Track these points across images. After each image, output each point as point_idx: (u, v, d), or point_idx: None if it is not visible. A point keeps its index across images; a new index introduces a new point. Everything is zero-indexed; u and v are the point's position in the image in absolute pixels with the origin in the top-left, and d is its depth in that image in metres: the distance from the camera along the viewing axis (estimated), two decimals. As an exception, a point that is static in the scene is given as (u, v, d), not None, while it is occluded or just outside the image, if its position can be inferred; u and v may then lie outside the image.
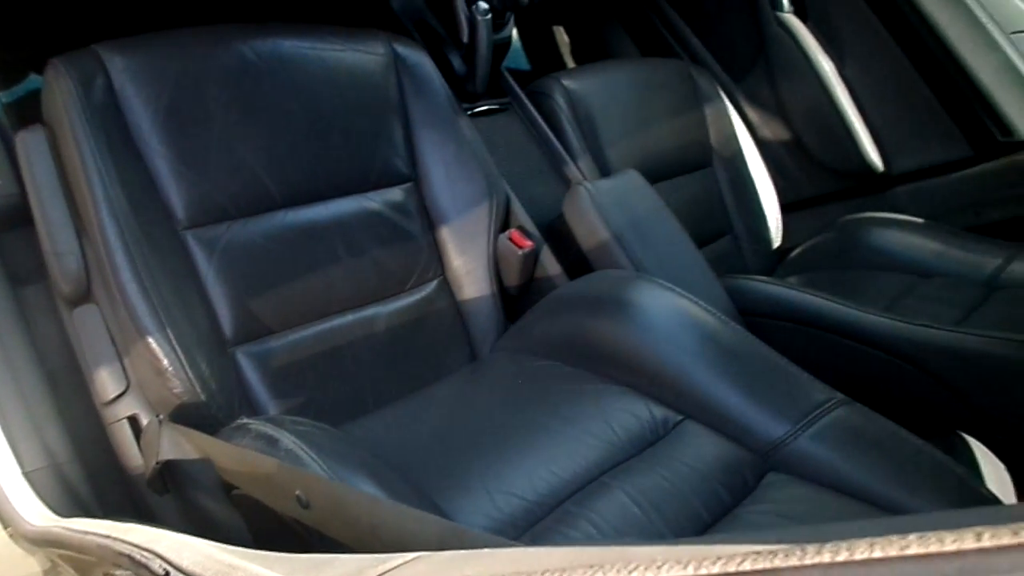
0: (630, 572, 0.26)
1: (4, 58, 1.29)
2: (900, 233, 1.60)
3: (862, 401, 0.98)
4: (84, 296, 0.95)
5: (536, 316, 1.19)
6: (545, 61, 2.22)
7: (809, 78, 1.79)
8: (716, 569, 0.25)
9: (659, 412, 1.00)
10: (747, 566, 0.24)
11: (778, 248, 1.83)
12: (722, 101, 1.82)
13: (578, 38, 2.22)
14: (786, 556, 0.24)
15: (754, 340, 1.06)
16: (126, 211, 0.91)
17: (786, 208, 1.88)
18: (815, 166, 1.90)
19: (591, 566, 0.28)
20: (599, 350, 1.07)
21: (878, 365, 1.20)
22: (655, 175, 1.52)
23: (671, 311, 1.08)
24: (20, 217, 1.00)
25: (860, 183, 1.85)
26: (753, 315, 1.33)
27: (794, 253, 1.76)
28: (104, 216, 0.90)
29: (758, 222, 1.81)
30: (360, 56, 1.20)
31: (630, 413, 0.99)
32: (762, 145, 1.90)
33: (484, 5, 1.38)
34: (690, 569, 0.25)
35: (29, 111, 1.02)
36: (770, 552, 0.24)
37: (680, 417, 1.00)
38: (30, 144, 0.95)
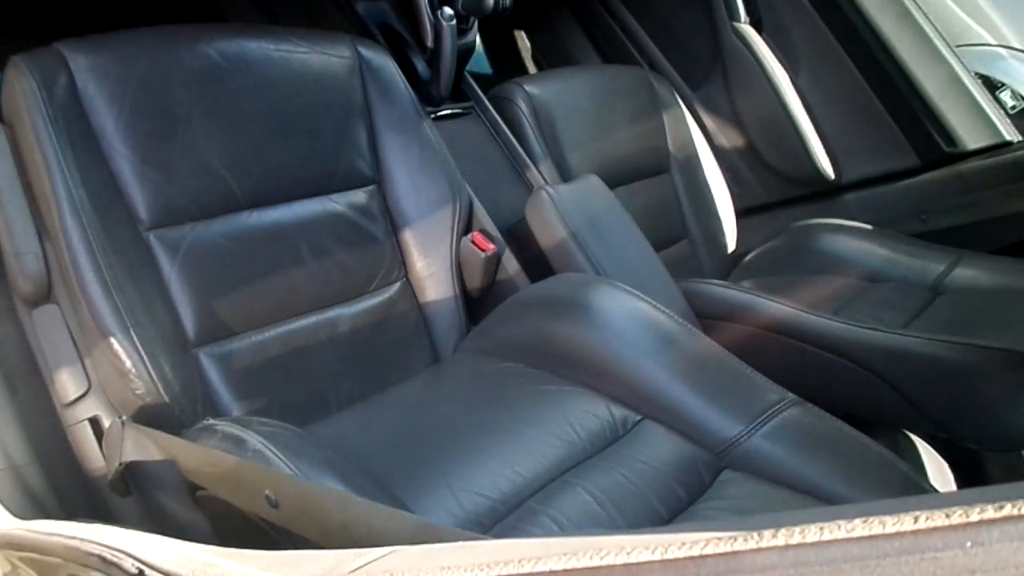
0: (602, 558, 0.28)
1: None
2: (850, 239, 1.66)
3: (813, 401, 1.02)
4: (44, 296, 0.95)
5: (498, 318, 1.21)
6: (507, 66, 2.24)
7: (764, 88, 1.84)
8: (681, 553, 0.27)
9: (619, 412, 1.02)
10: (710, 550, 0.26)
11: (732, 253, 1.88)
12: (680, 108, 1.86)
13: (540, 43, 2.24)
14: (745, 540, 0.26)
15: (709, 342, 1.09)
16: (89, 211, 0.91)
17: (741, 214, 1.92)
18: (769, 173, 1.95)
19: (564, 554, 0.30)
20: (560, 352, 1.09)
21: (828, 366, 1.24)
22: (615, 180, 1.55)
23: (630, 314, 1.10)
24: None
25: (812, 190, 1.91)
26: (708, 318, 1.36)
27: (748, 258, 1.80)
28: (67, 216, 0.89)
29: (714, 227, 1.85)
30: (325, 58, 1.20)
31: (591, 413, 1.02)
32: (718, 152, 1.95)
33: (449, 11, 1.39)
34: (657, 554, 0.27)
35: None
36: (730, 537, 0.26)
37: (639, 417, 1.02)
38: None
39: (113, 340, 0.87)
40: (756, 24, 1.87)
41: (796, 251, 1.71)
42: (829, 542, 0.25)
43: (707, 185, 1.85)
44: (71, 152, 0.91)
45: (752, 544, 0.26)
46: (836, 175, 1.85)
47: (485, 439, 0.96)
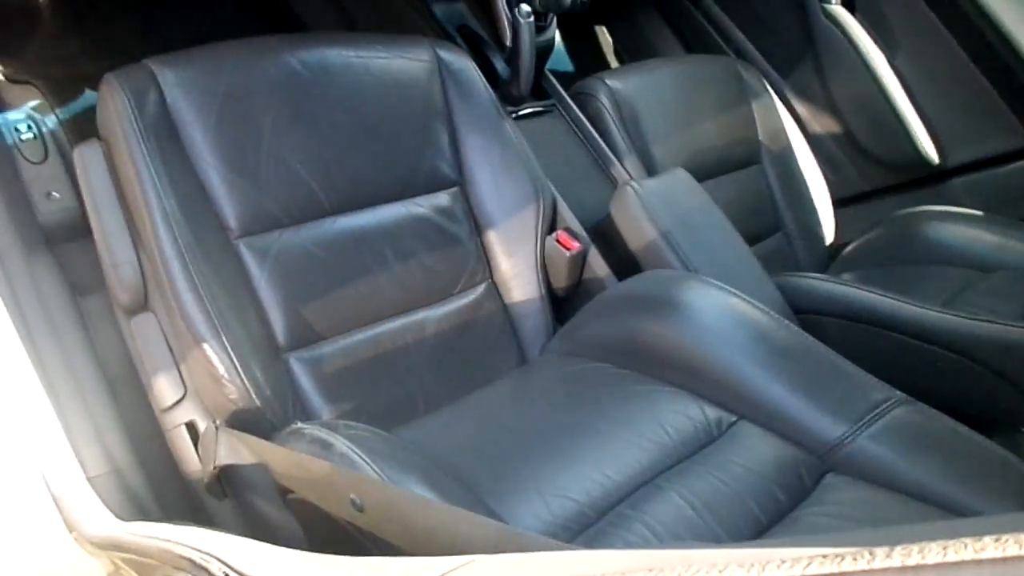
0: (692, 574, 0.25)
1: (59, 75, 1.33)
2: (957, 226, 1.56)
3: (922, 399, 0.95)
4: (142, 305, 0.98)
5: (585, 318, 1.18)
6: (589, 62, 2.21)
7: (859, 70, 1.75)
8: (781, 572, 0.24)
9: (713, 413, 0.98)
10: (813, 570, 0.23)
11: (831, 245, 1.79)
12: (770, 96, 1.79)
13: (621, 38, 2.20)
14: (854, 559, 0.23)
15: (808, 338, 1.03)
16: (180, 221, 0.93)
17: (838, 203, 1.84)
18: (867, 160, 1.86)
19: (651, 570, 0.27)
20: (650, 351, 1.06)
21: (938, 362, 1.16)
22: (703, 173, 1.50)
23: (722, 310, 1.06)
24: (80, 229, 1.03)
25: (914, 176, 1.81)
26: (807, 313, 1.30)
27: (848, 249, 1.72)
28: (159, 227, 0.92)
29: (810, 218, 1.77)
30: (405, 63, 1.21)
31: (683, 415, 0.98)
32: (812, 140, 1.86)
33: (526, 8, 1.38)
34: (753, 573, 0.24)
35: (86, 126, 1.05)
36: (837, 555, 0.24)
37: (734, 418, 0.98)
38: (87, 158, 0.98)
39: (206, 346, 0.89)
40: (848, 4, 1.78)
41: (900, 241, 1.62)
42: (954, 564, 0.21)
43: (801, 175, 1.78)
44: (162, 164, 0.94)
45: (863, 564, 0.23)
46: (940, 159, 1.74)
47: (573, 441, 0.94)
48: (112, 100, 0.95)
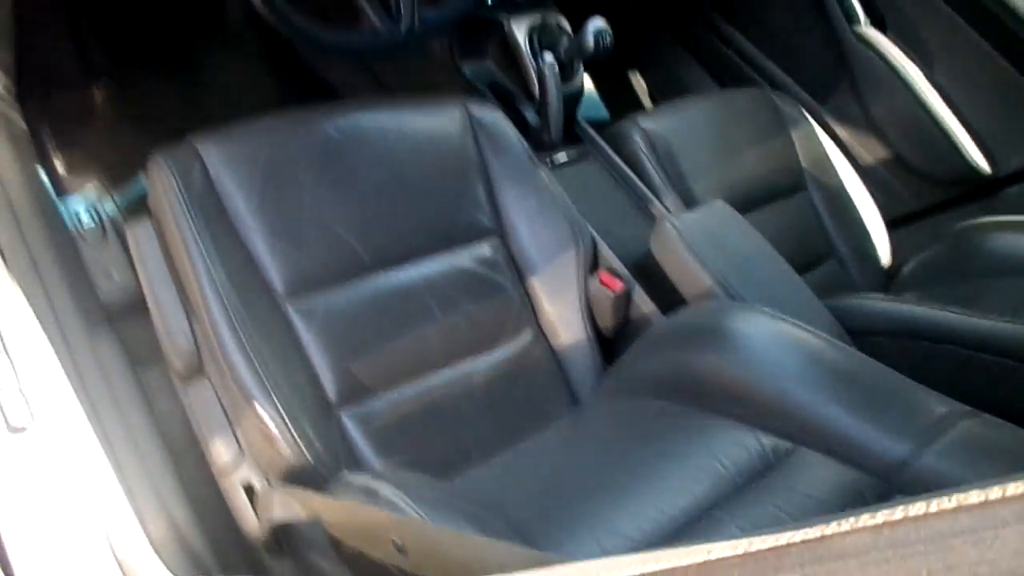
0: (680, 559, 0.25)
1: (114, 160, 1.41)
2: (1018, 235, 1.50)
3: (991, 415, 0.91)
4: (196, 372, 1.01)
5: (634, 355, 1.17)
6: (624, 108, 2.23)
7: (898, 89, 1.72)
8: (765, 545, 0.23)
9: (769, 441, 0.96)
10: (797, 538, 0.23)
11: (888, 267, 1.74)
12: (808, 123, 1.77)
13: (655, 81, 2.22)
14: (839, 524, 0.23)
15: (864, 358, 1.00)
16: (228, 289, 0.97)
17: (892, 225, 1.79)
18: (917, 178, 1.82)
19: (645, 561, 0.27)
20: (700, 383, 1.04)
21: (1006, 375, 1.11)
22: (745, 205, 1.49)
23: (772, 335, 1.04)
24: (138, 305, 1.08)
25: (967, 189, 1.76)
26: (864, 334, 1.26)
27: (906, 270, 1.67)
28: (208, 295, 0.95)
29: (863, 242, 1.73)
30: (437, 121, 1.24)
31: (738, 445, 0.96)
32: (858, 163, 1.83)
33: (550, 58, 1.41)
34: (740, 549, 0.24)
35: (141, 206, 1.11)
36: (822, 523, 0.23)
37: (791, 445, 0.95)
38: (140, 236, 1.03)
39: (258, 407, 0.92)
40: (878, 24, 1.77)
41: (959, 256, 1.56)
42: (934, 515, 0.21)
43: (850, 199, 1.74)
44: (208, 235, 0.98)
45: (846, 527, 0.22)
46: (992, 169, 1.69)
47: (626, 479, 0.92)
48: (160, 179, 1.00)
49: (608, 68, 2.16)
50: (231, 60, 1.78)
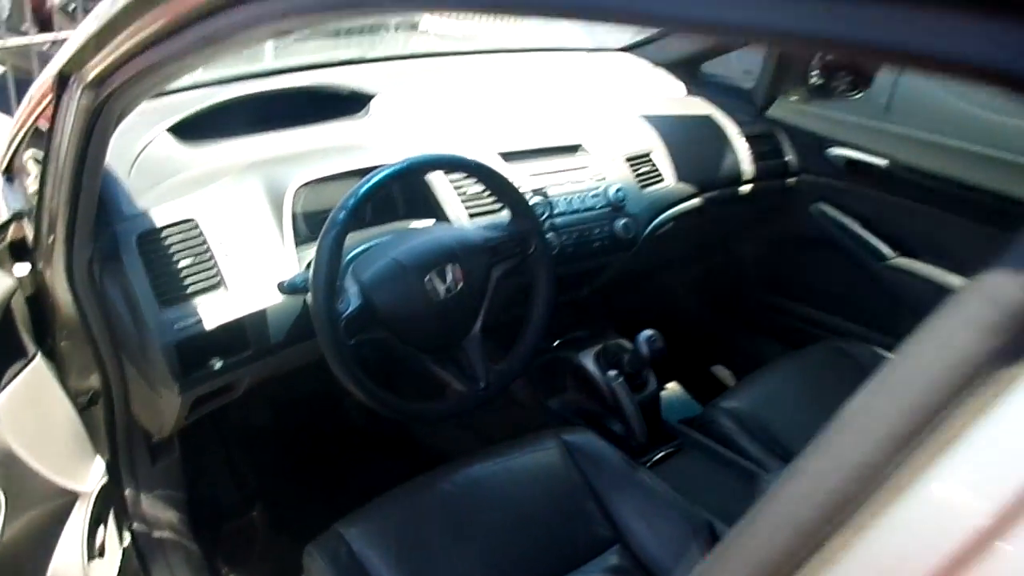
0: None
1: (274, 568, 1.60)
2: None
3: None
4: None
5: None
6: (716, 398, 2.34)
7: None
8: None
9: None
10: None
11: None
12: (883, 357, 1.84)
13: (734, 365, 2.36)
14: None
15: None
16: None
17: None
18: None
19: None
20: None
21: None
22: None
23: None
24: None
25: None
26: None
27: None
28: None
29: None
30: (538, 457, 1.41)
31: None
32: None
33: (613, 372, 1.60)
34: None
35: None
36: None
37: None
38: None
39: None
40: (908, 253, 1.90)
41: None
42: None
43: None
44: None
45: None
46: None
47: None
48: (314, 568, 1.18)
49: (690, 364, 2.33)
50: (359, 453, 2.04)
